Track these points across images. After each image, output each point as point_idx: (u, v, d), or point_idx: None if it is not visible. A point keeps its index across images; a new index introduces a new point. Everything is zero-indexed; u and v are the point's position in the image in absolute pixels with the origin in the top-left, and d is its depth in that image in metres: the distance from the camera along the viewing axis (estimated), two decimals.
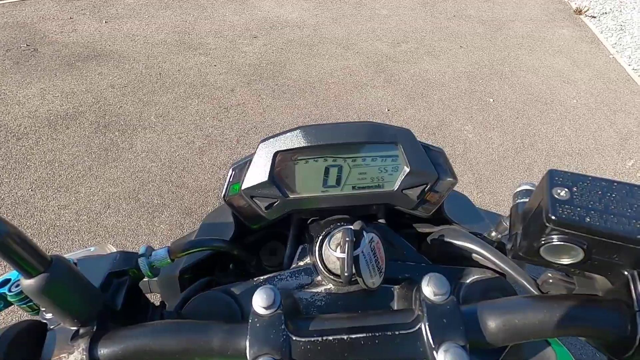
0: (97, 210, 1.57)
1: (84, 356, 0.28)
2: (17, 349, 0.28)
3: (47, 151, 1.77)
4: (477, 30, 3.18)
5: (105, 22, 2.75)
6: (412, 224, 0.52)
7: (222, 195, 0.42)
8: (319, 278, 0.39)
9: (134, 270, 0.36)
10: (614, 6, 3.70)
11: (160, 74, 2.33)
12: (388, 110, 2.30)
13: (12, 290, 0.35)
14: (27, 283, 0.26)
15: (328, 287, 0.38)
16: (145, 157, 1.81)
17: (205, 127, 2.01)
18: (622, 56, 2.94)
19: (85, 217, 1.54)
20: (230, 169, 0.42)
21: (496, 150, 2.07)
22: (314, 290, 0.38)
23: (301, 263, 0.41)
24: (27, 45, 2.39)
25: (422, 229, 0.50)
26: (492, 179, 1.91)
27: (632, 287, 0.26)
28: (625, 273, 0.27)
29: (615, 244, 0.25)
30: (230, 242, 0.44)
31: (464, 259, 0.43)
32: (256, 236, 0.52)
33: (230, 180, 0.42)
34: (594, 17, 3.49)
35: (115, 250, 0.38)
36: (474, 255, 0.42)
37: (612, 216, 0.25)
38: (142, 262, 0.36)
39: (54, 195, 1.59)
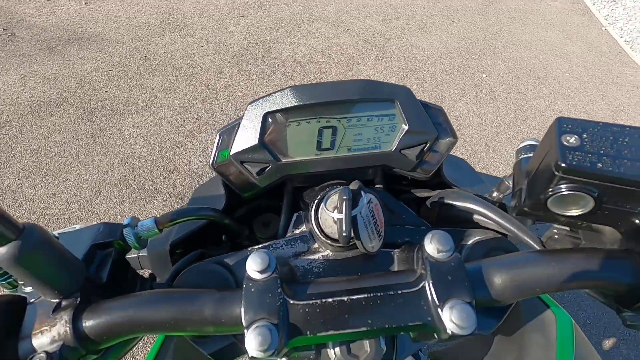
0: (88, 198, 1.54)
1: (68, 328, 0.27)
2: None
3: (32, 139, 1.71)
4: (469, 4, 3.12)
5: (85, 3, 2.64)
6: (410, 189, 0.50)
7: (211, 163, 0.40)
8: (316, 245, 0.38)
9: (119, 242, 0.34)
10: None
11: (145, 56, 2.25)
12: None
13: None
14: None
15: (325, 253, 0.37)
16: (134, 143, 1.76)
17: (194, 111, 1.96)
18: (614, 28, 2.92)
19: (75, 204, 1.51)
20: (218, 134, 0.40)
21: (489, 126, 2.06)
22: (311, 257, 0.37)
23: (297, 231, 0.40)
24: (3, 29, 2.29)
25: (421, 193, 0.49)
26: (485, 155, 1.91)
27: None
28: (637, 221, 0.26)
29: (628, 190, 0.24)
30: (220, 212, 0.42)
31: (466, 222, 0.41)
32: (248, 208, 0.50)
33: (219, 146, 0.40)
34: None
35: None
36: (476, 217, 0.40)
37: (626, 161, 0.24)
38: (127, 232, 0.34)
39: (42, 184, 1.55)
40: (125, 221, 0.35)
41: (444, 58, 2.52)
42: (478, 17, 2.96)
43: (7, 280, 0.32)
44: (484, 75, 2.40)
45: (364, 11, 2.94)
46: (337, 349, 0.30)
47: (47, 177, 1.59)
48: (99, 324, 0.27)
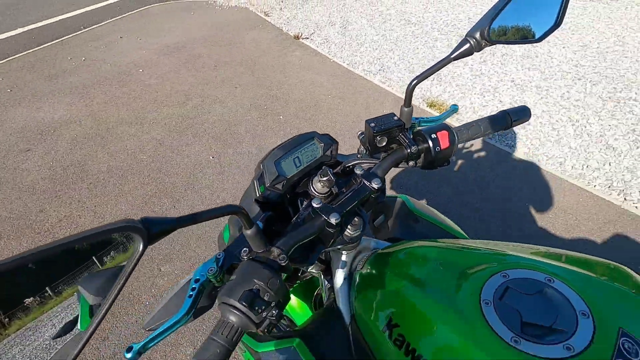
0: None
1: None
2: None
3: None
4: (239, 77, 3.87)
5: None
6: None
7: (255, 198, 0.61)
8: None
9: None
10: (315, 28, 5.16)
11: None
12: (212, 157, 2.63)
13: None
14: None
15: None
16: None
17: None
18: (337, 58, 4.22)
19: None
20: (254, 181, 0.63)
21: None
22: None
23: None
24: None
25: None
26: None
27: None
28: None
29: None
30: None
31: None
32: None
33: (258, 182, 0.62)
34: (307, 38, 4.77)
35: None
36: None
37: None
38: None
39: None
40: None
41: (245, 114, 3.10)
42: (252, 79, 3.72)
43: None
44: (281, 117, 3.10)
45: (156, 99, 3.23)
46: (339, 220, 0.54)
47: None
48: None
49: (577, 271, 0.47)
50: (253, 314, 0.42)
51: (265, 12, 5.68)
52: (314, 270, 0.75)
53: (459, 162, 2.64)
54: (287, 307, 0.86)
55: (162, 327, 0.45)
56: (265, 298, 0.43)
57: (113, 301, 0.37)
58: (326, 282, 0.73)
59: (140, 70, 3.90)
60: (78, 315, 0.40)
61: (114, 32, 4.95)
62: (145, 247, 0.36)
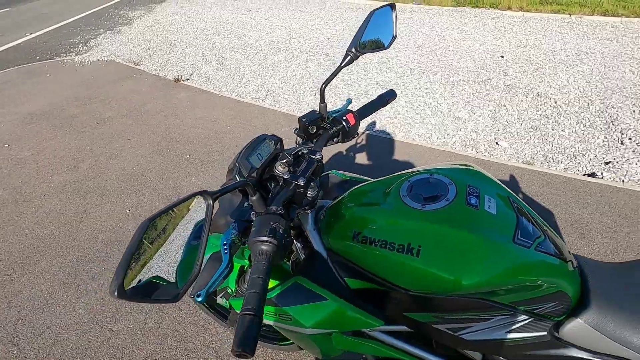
0: None
1: None
2: None
3: None
4: (129, 128, 3.77)
5: None
6: None
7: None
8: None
9: None
10: (193, 69, 5.28)
11: None
12: (128, 211, 2.56)
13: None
14: None
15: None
16: None
17: None
18: (224, 92, 4.43)
19: None
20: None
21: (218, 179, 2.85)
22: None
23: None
24: None
25: None
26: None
27: None
28: None
29: None
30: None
31: None
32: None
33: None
34: (188, 79, 4.88)
35: None
36: None
37: None
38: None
39: None
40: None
41: (149, 162, 3.07)
42: (144, 127, 3.67)
43: None
44: (188, 156, 3.17)
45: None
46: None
47: None
48: None
49: (443, 167, 0.84)
50: (276, 240, 0.63)
51: (134, 62, 5.58)
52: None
53: (363, 155, 3.11)
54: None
55: (214, 277, 0.63)
56: (280, 230, 0.65)
57: (209, 227, 0.59)
58: (299, 244, 0.96)
59: (6, 145, 3.47)
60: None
61: None
62: (212, 203, 0.60)
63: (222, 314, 1.59)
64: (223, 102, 4.18)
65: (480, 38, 5.93)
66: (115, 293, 0.50)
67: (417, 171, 0.86)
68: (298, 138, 0.98)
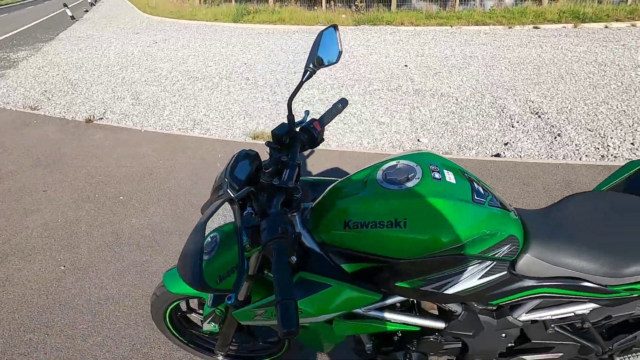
0: None
1: None
2: None
3: None
4: (43, 180, 3.37)
5: None
6: None
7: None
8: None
9: None
10: (105, 107, 4.91)
11: None
12: (63, 267, 2.29)
13: None
14: None
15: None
16: None
17: None
18: (148, 127, 4.22)
19: None
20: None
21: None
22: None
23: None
24: None
25: None
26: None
27: None
28: None
29: None
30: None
31: None
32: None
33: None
34: (102, 118, 4.54)
35: None
36: None
37: None
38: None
39: None
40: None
41: (77, 212, 2.79)
42: (61, 177, 3.31)
43: None
44: (122, 197, 2.95)
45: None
46: None
47: None
48: None
49: (405, 155, 1.00)
50: (287, 235, 0.70)
51: (30, 107, 5.01)
52: None
53: (307, 168, 3.21)
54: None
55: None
56: (288, 227, 0.73)
57: (241, 227, 0.68)
58: None
59: None
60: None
61: None
62: (237, 207, 0.68)
63: (206, 348, 1.54)
64: (148, 137, 3.97)
65: (384, 51, 6.60)
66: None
67: (385, 161, 1.00)
68: (270, 150, 1.05)
